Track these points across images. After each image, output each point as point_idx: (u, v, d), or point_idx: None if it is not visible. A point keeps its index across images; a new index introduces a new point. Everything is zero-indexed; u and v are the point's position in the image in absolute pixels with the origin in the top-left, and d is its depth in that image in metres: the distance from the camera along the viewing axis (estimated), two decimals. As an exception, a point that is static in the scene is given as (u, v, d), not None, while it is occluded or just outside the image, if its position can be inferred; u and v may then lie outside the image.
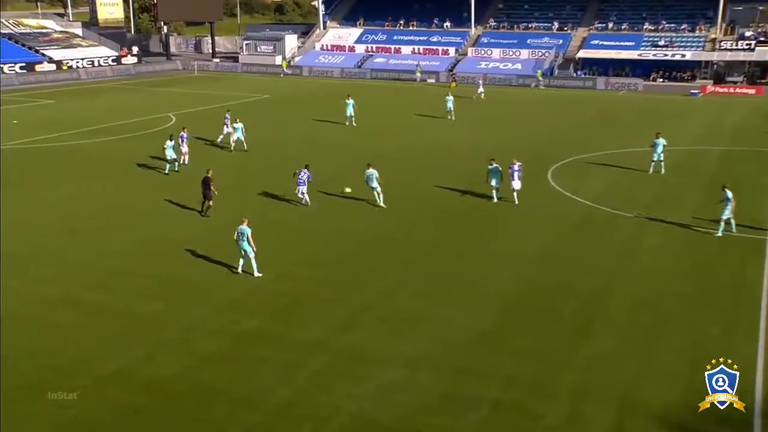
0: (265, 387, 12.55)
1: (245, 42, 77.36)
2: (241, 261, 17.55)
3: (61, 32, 74.12)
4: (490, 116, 43.06)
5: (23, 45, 66.78)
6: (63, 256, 18.77)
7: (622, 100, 51.28)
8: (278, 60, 73.33)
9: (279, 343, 14.11)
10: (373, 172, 22.88)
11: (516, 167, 23.22)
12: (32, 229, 20.94)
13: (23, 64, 61.04)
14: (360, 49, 73.14)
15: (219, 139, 32.75)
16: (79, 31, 76.93)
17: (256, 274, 17.36)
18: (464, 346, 13.98)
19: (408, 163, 29.81)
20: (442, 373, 13.00)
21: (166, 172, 27.28)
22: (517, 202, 23.07)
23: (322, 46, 75.01)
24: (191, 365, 13.28)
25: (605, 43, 64.18)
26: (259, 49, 75.98)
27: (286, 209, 22.98)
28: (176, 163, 27.51)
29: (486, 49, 68.01)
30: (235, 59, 77.37)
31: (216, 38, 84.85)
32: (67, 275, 17.42)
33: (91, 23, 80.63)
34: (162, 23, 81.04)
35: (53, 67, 63.63)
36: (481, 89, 50.65)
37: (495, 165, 23.38)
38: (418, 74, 63.45)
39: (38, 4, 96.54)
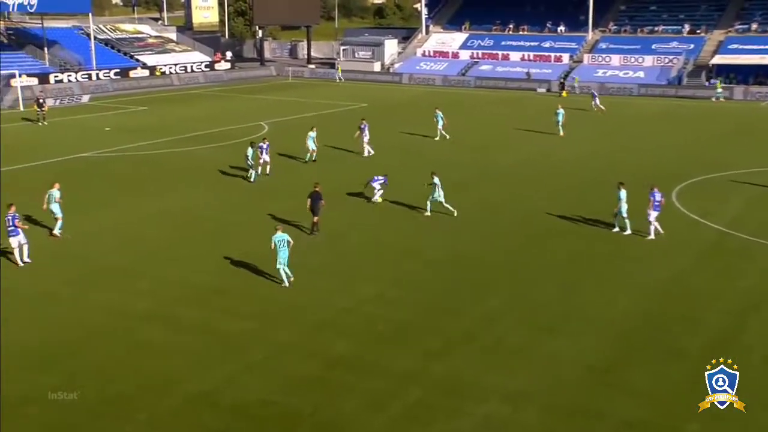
0: (354, 417, 12.67)
1: (342, 47, 79.48)
2: (283, 272, 18.21)
3: (155, 37, 78.93)
4: (605, 130, 42.24)
5: (118, 50, 71.61)
6: (157, 269, 19.83)
7: (766, 113, 48.99)
8: (376, 66, 74.93)
9: (371, 370, 14.33)
10: (437, 182, 23.89)
11: (658, 196, 21.64)
12: (126, 241, 22.36)
13: (117, 70, 65.41)
14: (464, 55, 73.50)
15: (366, 149, 33.35)
16: (173, 35, 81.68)
17: (286, 283, 18.23)
18: (574, 383, 13.77)
19: (511, 179, 29.77)
20: (549, 412, 12.84)
21: (252, 180, 28.87)
22: (652, 237, 21.70)
23: (424, 52, 75.93)
24: (278, 389, 13.59)
25: (746, 47, 61.35)
26: (357, 55, 77.83)
27: (376, 225, 23.50)
28: (253, 172, 29.01)
29: (604, 55, 66.68)
30: (332, 65, 79.67)
31: (312, 43, 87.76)
32: (161, 290, 18.37)
33: (186, 27, 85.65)
34: (257, 27, 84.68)
35: (147, 72, 67.88)
36: (597, 100, 49.97)
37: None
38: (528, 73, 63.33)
39: (134, 8, 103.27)
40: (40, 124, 44.88)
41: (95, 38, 67.80)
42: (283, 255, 18.32)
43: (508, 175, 30.76)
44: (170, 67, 70.41)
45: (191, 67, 72.47)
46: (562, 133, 38.93)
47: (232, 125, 42.59)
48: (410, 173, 29.49)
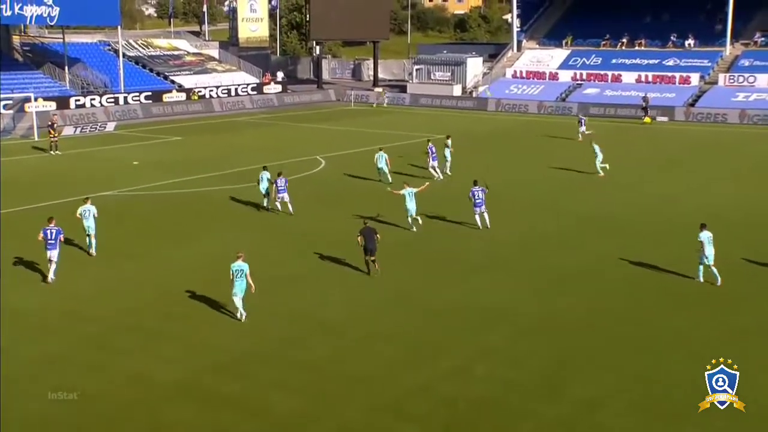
0: None
1: (416, 67, 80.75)
2: (240, 304, 20.44)
3: (194, 54, 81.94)
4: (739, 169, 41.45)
5: (151, 70, 74.58)
6: (188, 331, 20.18)
7: None
8: (456, 90, 75.68)
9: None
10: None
11: None
12: (152, 295, 22.89)
13: (149, 93, 68.01)
14: (565, 76, 73.57)
15: (434, 168, 37.93)
16: (215, 52, 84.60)
17: (242, 315, 20.54)
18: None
19: (609, 228, 29.46)
20: None
21: (265, 205, 32.15)
22: None
23: (515, 72, 76.39)
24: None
25: None
26: (433, 76, 78.93)
27: (457, 276, 23.40)
28: (266, 200, 32.09)
29: (747, 75, 65.47)
30: (403, 88, 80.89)
31: (379, 62, 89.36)
32: (195, 355, 18.63)
33: (230, 43, 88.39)
34: (314, 43, 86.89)
35: (183, 96, 70.34)
36: (583, 127, 50.94)
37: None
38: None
39: (171, 20, 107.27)
40: (52, 153, 46.94)
41: (124, 55, 70.85)
42: (240, 286, 20.57)
43: (612, 226, 30.37)
44: (210, 90, 72.83)
45: (235, 89, 74.79)
46: (601, 174, 38.94)
47: (283, 159, 43.36)
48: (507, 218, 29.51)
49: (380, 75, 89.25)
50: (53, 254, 23.72)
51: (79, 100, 62.90)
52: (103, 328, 20.43)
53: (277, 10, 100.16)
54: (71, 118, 59.59)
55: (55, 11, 59.49)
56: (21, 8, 57.49)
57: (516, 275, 24.37)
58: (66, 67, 66.26)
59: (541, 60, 76.99)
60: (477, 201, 28.70)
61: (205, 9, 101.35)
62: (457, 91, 76.09)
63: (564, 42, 78.23)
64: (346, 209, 32.31)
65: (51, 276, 23.69)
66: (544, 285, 23.33)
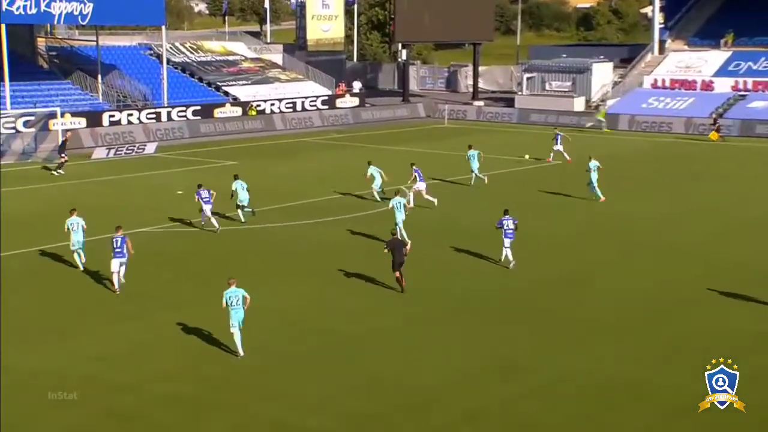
0: None
1: (526, 75, 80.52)
2: (238, 338, 22.16)
3: (253, 60, 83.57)
4: None
5: (200, 79, 76.24)
6: (241, 401, 20.13)
7: None
8: (578, 104, 74.98)
9: None
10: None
11: None
12: (193, 357, 22.89)
13: (197, 108, 69.31)
14: (723, 85, 72.27)
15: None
16: (278, 57, 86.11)
17: (240, 352, 22.22)
18: None
19: None
20: None
21: (243, 220, 36.33)
22: None
23: (655, 81, 75.40)
24: None
25: None
26: (548, 86, 78.54)
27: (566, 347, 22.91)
28: (249, 210, 36.85)
29: None
30: (509, 102, 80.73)
31: (481, 69, 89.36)
32: (240, 432, 18.77)
33: (297, 46, 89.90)
34: (399, 47, 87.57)
35: (238, 111, 71.60)
36: (559, 146, 52.62)
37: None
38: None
39: (225, 18, 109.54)
40: (55, 173, 49.04)
41: (168, 61, 72.60)
42: (238, 316, 22.17)
43: None
44: (272, 104, 74.04)
45: (302, 103, 75.93)
46: (602, 198, 41.09)
47: (358, 189, 43.47)
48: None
49: (481, 85, 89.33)
50: (115, 265, 27.74)
51: (113, 116, 64.57)
52: (133, 397, 20.55)
53: (355, 6, 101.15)
54: (104, 138, 61.09)
55: (88, 8, 61.23)
56: (48, 5, 59.49)
57: (649, 341, 23.84)
58: (99, 76, 68.20)
59: (690, 65, 75.81)
60: (507, 232, 30.44)
61: (267, 5, 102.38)
62: (578, 104, 75.46)
63: (722, 42, 76.81)
64: (434, 251, 32.28)
65: (117, 287, 27.80)
66: (698, 359, 22.54)
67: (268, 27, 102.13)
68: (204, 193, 35.79)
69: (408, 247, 27.97)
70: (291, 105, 74.94)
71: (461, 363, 22.31)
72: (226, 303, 22.38)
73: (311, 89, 79.21)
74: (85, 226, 30.24)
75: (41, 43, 73.72)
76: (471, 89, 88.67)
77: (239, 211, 37.07)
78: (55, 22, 66.50)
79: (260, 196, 42.89)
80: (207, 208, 35.72)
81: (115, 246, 27.84)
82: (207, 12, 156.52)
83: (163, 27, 70.91)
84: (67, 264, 30.79)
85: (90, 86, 67.93)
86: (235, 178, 37.52)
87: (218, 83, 75.86)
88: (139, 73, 72.93)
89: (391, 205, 33.62)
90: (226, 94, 74.62)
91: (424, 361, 22.49)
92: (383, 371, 21.75)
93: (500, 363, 22.29)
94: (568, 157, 52.44)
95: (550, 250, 33.22)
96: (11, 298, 27.03)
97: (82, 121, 61.96)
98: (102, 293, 27.79)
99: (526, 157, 52.90)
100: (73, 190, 45.73)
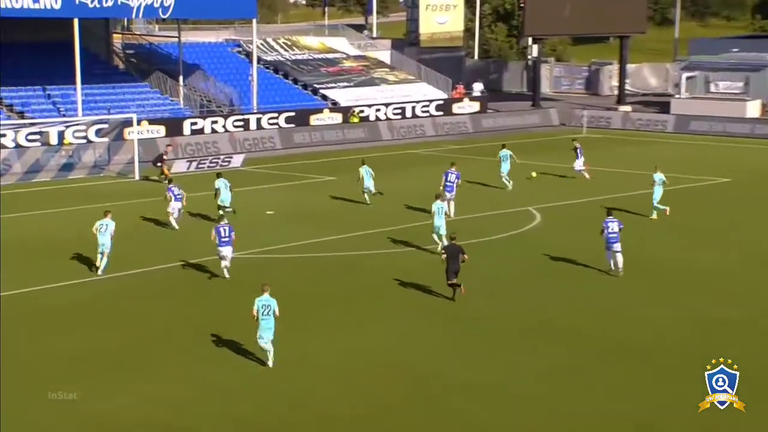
0: None
1: (686, 74, 78.68)
2: (271, 352, 24.36)
3: (356, 58, 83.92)
4: None
5: (295, 81, 76.99)
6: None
7: None
8: (752, 109, 72.86)
9: None
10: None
11: None
12: (286, 406, 22.84)
13: (291, 114, 69.88)
14: None
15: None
16: (385, 55, 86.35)
17: (270, 362, 24.45)
18: None
19: None
20: None
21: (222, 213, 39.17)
22: None
23: None
24: None
25: None
26: (714, 87, 76.57)
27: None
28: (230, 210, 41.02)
29: None
30: (664, 107, 79.32)
31: (629, 67, 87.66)
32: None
33: (408, 42, 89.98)
34: (529, 41, 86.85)
35: (338, 118, 71.85)
36: (580, 159, 51.89)
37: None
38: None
39: (325, 9, 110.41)
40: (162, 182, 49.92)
41: (259, 60, 73.39)
42: (268, 325, 24.18)
43: None
44: (377, 110, 74.29)
45: (413, 109, 75.99)
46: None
47: (474, 211, 43.21)
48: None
49: (629, 86, 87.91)
50: (226, 251, 32.79)
51: (195, 123, 65.79)
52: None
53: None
54: (184, 149, 62.15)
55: (170, 0, 62.51)
56: (126, -5, 60.78)
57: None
58: (180, 78, 69.55)
59: None
60: (611, 237, 32.33)
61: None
62: (753, 110, 73.35)
63: None
64: (559, 286, 32.10)
65: (226, 275, 32.99)
66: None
67: (374, 19, 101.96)
68: (176, 190, 41.05)
69: (466, 255, 30.12)
70: (399, 111, 75.05)
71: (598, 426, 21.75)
72: (257, 311, 24.32)
73: (423, 92, 79.21)
74: (113, 232, 33.72)
75: (117, 40, 75.40)
76: (616, 92, 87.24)
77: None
78: (133, 16, 67.49)
79: (363, 217, 42.97)
80: (175, 206, 40.91)
81: (222, 235, 32.49)
82: (304, 2, 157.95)
83: (254, 20, 71.72)
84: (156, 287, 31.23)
85: (170, 89, 69.24)
86: (218, 176, 43.20)
87: (315, 85, 76.41)
88: (226, 74, 73.99)
89: (433, 210, 36.04)
90: (325, 98, 75.15)
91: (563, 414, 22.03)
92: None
93: None
94: (587, 175, 51.87)
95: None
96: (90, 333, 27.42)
97: (160, 130, 63.22)
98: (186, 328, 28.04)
99: (533, 174, 52.06)
100: (146, 209, 46.14)
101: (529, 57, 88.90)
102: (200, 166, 57.94)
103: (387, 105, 74.93)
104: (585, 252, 35.36)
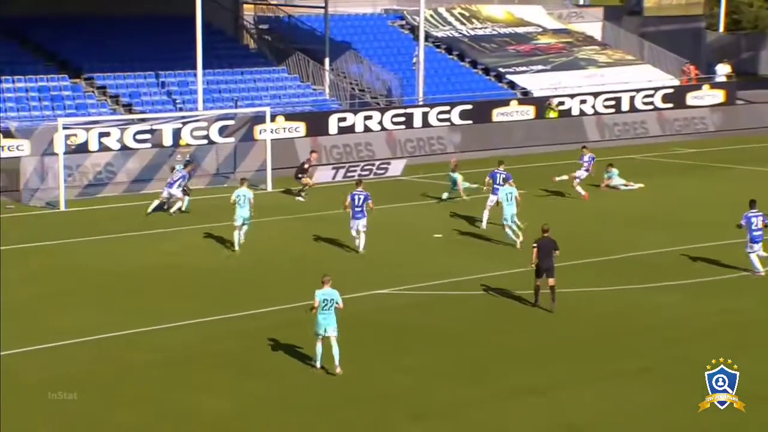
0: None
1: None
2: (320, 352, 27.80)
3: (555, 33, 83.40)
4: None
5: (473, 64, 77.27)
6: None
7: None
8: None
9: None
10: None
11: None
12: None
13: (466, 107, 69.87)
14: None
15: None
16: (595, 28, 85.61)
17: (338, 369, 27.55)
18: None
19: None
20: None
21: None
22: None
23: None
24: None
25: None
26: None
27: None
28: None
29: None
30: None
31: None
32: None
33: (626, 10, 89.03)
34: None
35: (529, 111, 71.73)
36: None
37: None
38: None
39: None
40: (299, 198, 52.46)
41: (427, 37, 73.41)
42: (330, 320, 27.42)
43: None
44: (582, 101, 73.94)
45: (631, 100, 75.54)
46: None
47: (710, 239, 43.11)
48: None
49: None
50: (360, 224, 39.80)
51: (344, 119, 66.28)
52: None
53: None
54: (329, 151, 62.85)
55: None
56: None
57: None
58: (326, 60, 70.26)
59: None
60: (755, 233, 36.45)
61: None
62: None
63: None
64: None
65: (361, 249, 40.20)
66: None
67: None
68: (177, 174, 48.64)
69: (558, 252, 33.78)
70: (613, 102, 74.65)
71: None
72: (318, 304, 27.40)
73: (647, 77, 78.44)
74: (252, 200, 41.59)
75: (248, 11, 76.27)
76: None
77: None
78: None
79: (565, 242, 43.11)
80: (176, 194, 48.05)
81: (355, 203, 38.87)
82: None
83: (419, -13, 71.80)
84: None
85: (313, 75, 70.06)
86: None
87: (500, 69, 76.29)
88: (384, 55, 74.39)
89: (499, 198, 43.06)
90: (512, 85, 75.09)
91: None
92: None
93: None
94: (583, 192, 52.37)
95: None
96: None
97: (299, 128, 64.04)
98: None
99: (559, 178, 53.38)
100: (278, 228, 46.97)
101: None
102: (349, 173, 58.19)
103: (596, 95, 74.53)
104: None
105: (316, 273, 32.72)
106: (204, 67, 61.46)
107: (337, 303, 27.56)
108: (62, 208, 50.64)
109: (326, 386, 27.69)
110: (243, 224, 41.92)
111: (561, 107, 72.08)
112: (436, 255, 42.17)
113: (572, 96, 73.67)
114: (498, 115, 70.68)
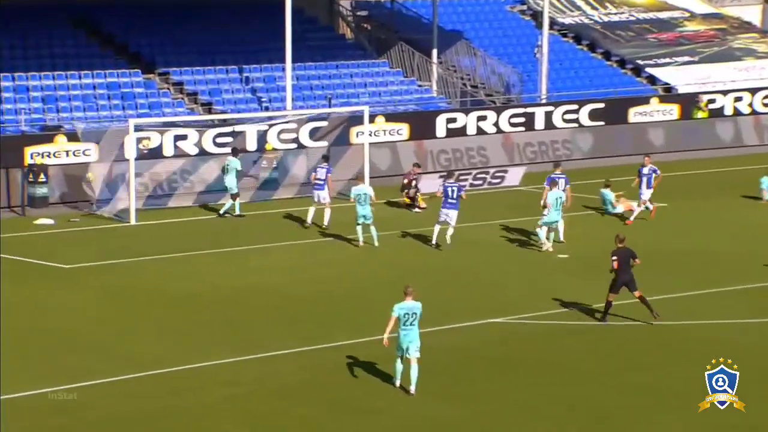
0: None
1: None
2: (400, 369, 28.39)
3: (705, 18, 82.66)
4: None
5: (606, 56, 77.00)
6: None
7: None
8: None
9: None
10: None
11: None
12: None
13: (598, 106, 69.29)
14: None
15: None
16: (753, 12, 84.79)
17: (412, 389, 28.14)
18: None
19: None
20: None
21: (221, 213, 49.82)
22: None
23: None
24: None
25: None
26: None
27: None
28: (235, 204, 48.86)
29: None
30: None
31: None
32: None
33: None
34: None
35: (673, 110, 71.02)
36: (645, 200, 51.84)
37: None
38: None
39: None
40: (415, 210, 53.44)
41: (552, 24, 73.49)
42: (413, 338, 27.91)
43: None
44: (736, 98, 73.00)
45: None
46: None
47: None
48: None
49: None
50: (451, 214, 44.26)
51: (454, 120, 66.18)
52: None
53: None
54: (436, 157, 63.01)
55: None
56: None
57: None
58: (434, 51, 70.31)
59: None
60: None
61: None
62: None
63: None
64: None
65: (448, 240, 44.73)
66: None
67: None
68: (321, 173, 50.58)
69: (638, 260, 35.26)
70: (768, 97, 73.81)
71: None
72: (399, 319, 27.92)
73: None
74: (373, 197, 45.74)
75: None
76: None
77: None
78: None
79: (710, 264, 42.73)
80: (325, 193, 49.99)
81: (449, 195, 43.05)
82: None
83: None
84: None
85: (418, 69, 70.11)
86: (234, 153, 51.46)
87: (639, 61, 76.00)
88: (501, 45, 74.54)
89: (549, 202, 45.69)
90: (653, 80, 74.70)
91: None
92: None
93: None
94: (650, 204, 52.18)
95: None
96: None
97: (402, 130, 64.06)
98: None
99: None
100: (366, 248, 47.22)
101: None
102: (459, 182, 57.31)
103: (754, 91, 73.88)
104: None
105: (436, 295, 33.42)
106: (293, 61, 61.70)
107: (419, 317, 28.09)
108: (132, 221, 51.01)
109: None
110: (365, 223, 45.47)
111: (711, 106, 71.26)
112: (559, 277, 42.23)
113: (725, 93, 72.80)
114: (635, 115, 70.21)
